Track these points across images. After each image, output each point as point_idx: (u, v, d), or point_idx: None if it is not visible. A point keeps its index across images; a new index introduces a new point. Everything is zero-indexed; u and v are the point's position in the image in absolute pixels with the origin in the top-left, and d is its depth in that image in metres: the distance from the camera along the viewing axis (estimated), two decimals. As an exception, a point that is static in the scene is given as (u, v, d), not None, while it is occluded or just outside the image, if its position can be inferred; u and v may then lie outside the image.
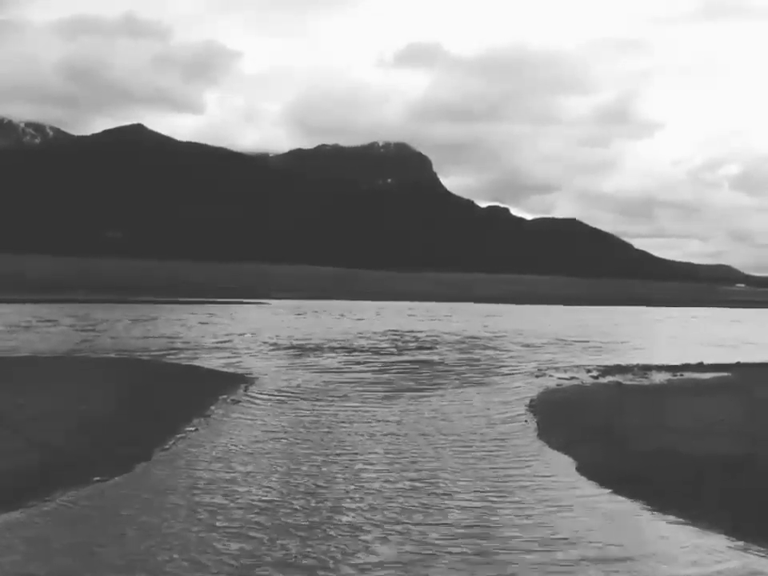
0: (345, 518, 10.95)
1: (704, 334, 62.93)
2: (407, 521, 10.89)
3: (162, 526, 10.39)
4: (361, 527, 10.55)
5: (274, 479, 13.02)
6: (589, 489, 12.71)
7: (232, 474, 13.25)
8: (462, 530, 10.51)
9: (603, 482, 12.86)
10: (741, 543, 9.97)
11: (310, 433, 16.98)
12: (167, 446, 15.25)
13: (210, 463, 14.03)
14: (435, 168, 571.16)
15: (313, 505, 11.55)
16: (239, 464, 14.05)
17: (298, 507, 11.42)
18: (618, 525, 10.89)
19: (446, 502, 11.88)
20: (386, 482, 13.00)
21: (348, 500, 11.88)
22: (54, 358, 28.52)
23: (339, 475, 13.34)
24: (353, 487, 12.57)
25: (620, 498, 12.09)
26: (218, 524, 10.56)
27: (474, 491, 12.49)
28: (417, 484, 12.87)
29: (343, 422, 18.35)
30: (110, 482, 12.55)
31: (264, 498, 11.83)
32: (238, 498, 11.82)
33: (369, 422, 18.39)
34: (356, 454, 15.06)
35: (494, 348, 41.78)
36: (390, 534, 10.30)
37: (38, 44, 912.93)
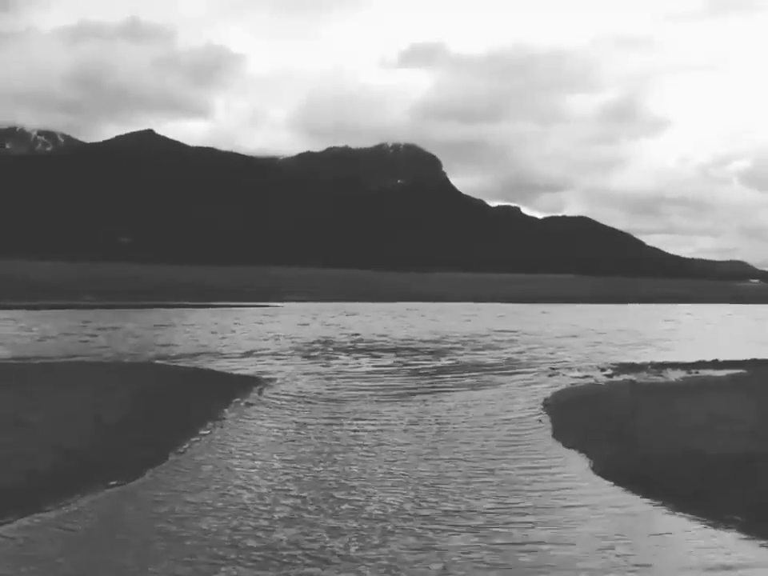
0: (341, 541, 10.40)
1: (720, 330, 62.54)
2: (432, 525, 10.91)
3: (171, 538, 10.23)
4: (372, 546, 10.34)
5: (281, 491, 12.56)
6: (603, 487, 12.68)
7: (241, 481, 13.15)
8: (477, 535, 10.50)
9: (617, 481, 12.83)
10: (755, 542, 9.91)
11: (321, 439, 16.87)
12: (182, 450, 15.30)
13: (222, 468, 14.02)
14: (446, 168, 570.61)
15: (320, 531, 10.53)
16: (250, 469, 14.02)
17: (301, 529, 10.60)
18: (632, 522, 10.85)
19: (459, 506, 11.87)
20: (401, 488, 12.97)
21: (354, 515, 11.60)
22: (69, 363, 28.67)
23: (343, 485, 13.01)
24: (362, 498, 12.30)
25: (634, 496, 12.06)
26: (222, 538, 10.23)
27: (490, 491, 12.47)
28: (436, 497, 12.81)
29: (355, 427, 18.28)
30: (125, 486, 12.59)
31: (272, 512, 11.31)
32: (246, 509, 11.59)
33: (382, 426, 18.30)
34: (364, 460, 14.96)
35: (508, 348, 41.67)
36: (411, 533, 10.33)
37: (47, 51, 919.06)
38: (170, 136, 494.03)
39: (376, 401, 22.15)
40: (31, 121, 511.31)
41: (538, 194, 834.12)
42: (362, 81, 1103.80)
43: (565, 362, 32.98)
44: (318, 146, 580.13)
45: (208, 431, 17.25)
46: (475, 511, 11.40)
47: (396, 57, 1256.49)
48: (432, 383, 26.34)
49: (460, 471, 13.85)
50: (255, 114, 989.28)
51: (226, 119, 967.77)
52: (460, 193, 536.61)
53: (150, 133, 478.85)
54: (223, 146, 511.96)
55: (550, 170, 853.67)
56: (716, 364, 29.59)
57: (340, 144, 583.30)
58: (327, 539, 10.13)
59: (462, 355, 36.88)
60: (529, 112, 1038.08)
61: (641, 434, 15.11)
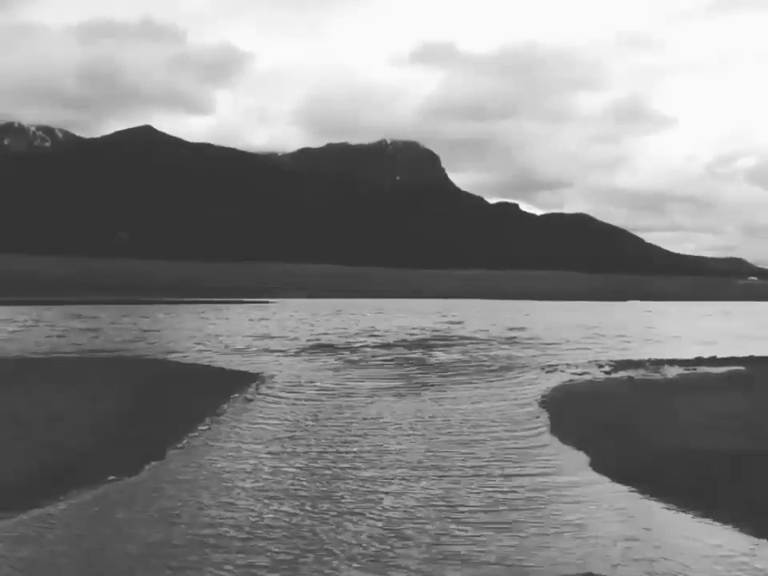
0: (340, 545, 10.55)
1: (714, 327, 62.61)
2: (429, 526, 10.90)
3: (163, 533, 10.18)
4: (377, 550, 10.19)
5: (278, 492, 12.26)
6: (603, 484, 12.65)
7: (236, 478, 13.08)
8: (476, 529, 10.50)
9: (617, 478, 12.77)
10: (758, 540, 9.89)
11: (318, 435, 16.78)
12: (180, 445, 15.27)
13: (218, 465, 13.96)
14: (448, 165, 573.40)
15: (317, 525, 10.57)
16: (247, 465, 13.93)
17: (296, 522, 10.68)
18: (630, 518, 10.83)
19: (455, 501, 11.86)
20: (402, 491, 12.95)
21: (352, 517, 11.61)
22: (67, 359, 28.65)
23: (341, 487, 12.86)
24: (356, 501, 12.16)
25: (632, 492, 12.04)
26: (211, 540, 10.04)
27: (486, 489, 12.45)
28: (434, 491, 12.84)
29: (352, 423, 18.23)
30: (122, 482, 12.54)
31: (264, 515, 11.07)
32: (239, 507, 11.50)
33: (380, 423, 18.21)
34: (362, 457, 14.86)
35: (507, 346, 41.72)
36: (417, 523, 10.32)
37: (50, 47, 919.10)
38: (174, 133, 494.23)
39: (374, 396, 22.14)
40: (31, 116, 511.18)
41: (539, 191, 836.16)
42: (370, 78, 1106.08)
43: (562, 358, 32.97)
44: (319, 143, 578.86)
45: (206, 427, 17.21)
46: (469, 506, 11.39)
47: (406, 55, 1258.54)
48: (430, 379, 26.33)
49: (453, 466, 13.80)
50: (259, 111, 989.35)
51: (229, 115, 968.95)
52: (458, 189, 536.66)
53: (148, 128, 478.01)
54: (225, 142, 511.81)
55: (553, 168, 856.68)
56: (714, 361, 29.59)
57: (342, 141, 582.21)
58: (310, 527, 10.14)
59: (459, 352, 36.90)
60: (535, 110, 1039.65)
61: (639, 431, 15.10)
